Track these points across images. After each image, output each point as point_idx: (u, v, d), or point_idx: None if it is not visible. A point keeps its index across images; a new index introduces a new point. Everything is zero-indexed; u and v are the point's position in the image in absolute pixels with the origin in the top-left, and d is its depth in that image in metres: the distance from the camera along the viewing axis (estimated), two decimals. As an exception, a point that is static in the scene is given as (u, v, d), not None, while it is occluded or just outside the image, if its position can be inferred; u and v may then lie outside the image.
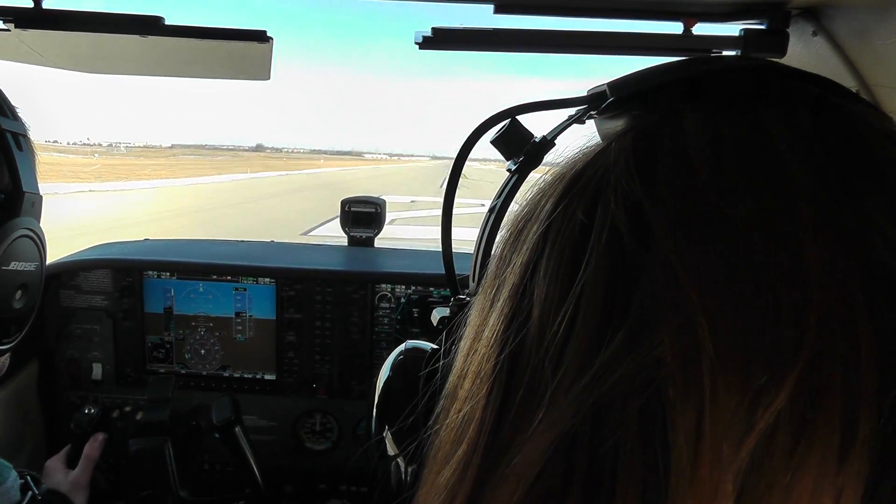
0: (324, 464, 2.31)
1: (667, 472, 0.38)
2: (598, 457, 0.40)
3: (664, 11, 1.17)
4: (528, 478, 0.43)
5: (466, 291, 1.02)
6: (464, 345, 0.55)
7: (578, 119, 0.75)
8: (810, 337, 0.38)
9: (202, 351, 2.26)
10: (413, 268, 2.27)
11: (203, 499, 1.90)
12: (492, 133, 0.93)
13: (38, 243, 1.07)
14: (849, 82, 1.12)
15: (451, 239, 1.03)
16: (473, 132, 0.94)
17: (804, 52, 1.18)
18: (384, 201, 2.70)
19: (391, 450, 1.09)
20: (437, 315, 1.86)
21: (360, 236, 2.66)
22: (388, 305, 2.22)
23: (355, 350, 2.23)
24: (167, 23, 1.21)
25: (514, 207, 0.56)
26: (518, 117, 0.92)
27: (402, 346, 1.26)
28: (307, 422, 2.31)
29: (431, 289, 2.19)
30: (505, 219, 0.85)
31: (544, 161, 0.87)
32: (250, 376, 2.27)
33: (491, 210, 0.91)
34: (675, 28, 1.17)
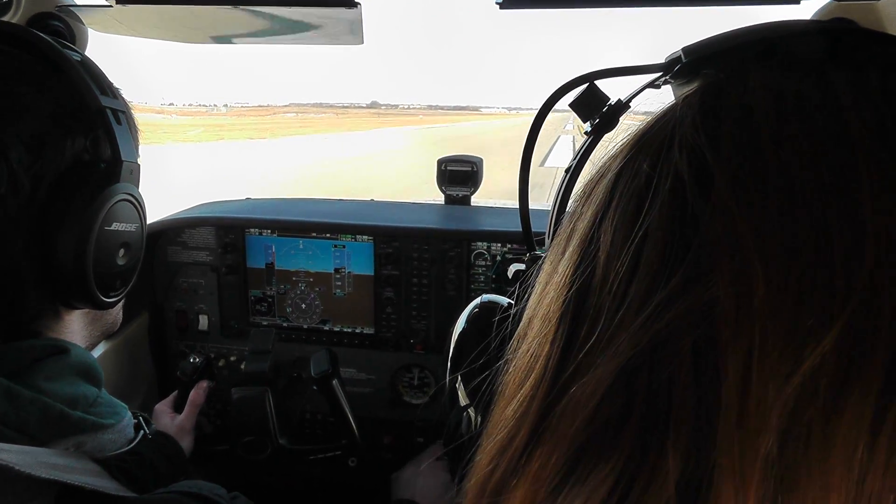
0: (421, 417, 2.34)
1: (717, 405, 0.40)
2: (655, 389, 0.43)
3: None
4: (588, 408, 0.45)
5: (542, 248, 1.03)
6: (535, 292, 0.58)
7: (654, 84, 0.75)
8: (860, 286, 0.39)
9: (303, 305, 2.32)
10: (508, 226, 2.25)
11: (302, 447, 1.96)
12: (571, 96, 0.95)
13: (138, 206, 1.14)
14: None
15: (527, 197, 1.05)
16: (552, 95, 0.96)
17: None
18: (481, 160, 2.68)
19: (462, 400, 1.10)
20: (512, 269, 1.85)
21: (457, 195, 2.66)
22: (483, 263, 2.22)
23: (452, 306, 2.24)
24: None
25: (589, 168, 0.57)
26: (597, 82, 0.94)
27: (477, 300, 1.27)
28: (405, 376, 2.34)
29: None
30: (580, 178, 0.87)
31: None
32: (349, 330, 2.32)
33: (567, 170, 0.92)
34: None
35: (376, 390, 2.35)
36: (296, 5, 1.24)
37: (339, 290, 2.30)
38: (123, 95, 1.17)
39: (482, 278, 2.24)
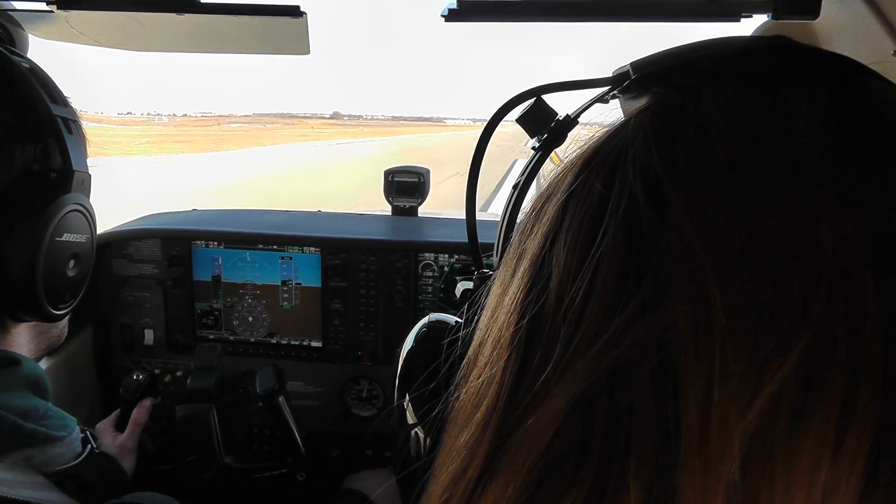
0: (369, 430, 2.34)
1: (678, 434, 0.40)
2: (614, 418, 0.42)
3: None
4: (545, 438, 0.45)
5: (490, 265, 1.03)
6: (485, 314, 0.57)
7: (602, 99, 0.75)
8: (819, 308, 0.38)
9: (250, 318, 2.30)
10: (456, 237, 2.26)
11: (247, 465, 1.94)
12: (518, 111, 0.94)
13: (88, 217, 1.13)
14: (886, 44, 1.08)
15: (475, 212, 1.04)
16: (498, 110, 0.95)
17: (838, 13, 1.14)
18: (428, 171, 2.69)
19: (410, 419, 1.10)
20: (460, 288, 1.86)
21: (404, 205, 2.66)
22: (431, 274, 2.23)
23: (399, 318, 2.25)
24: (202, 0, 1.22)
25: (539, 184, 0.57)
26: (547, 97, 0.93)
27: (425, 319, 1.27)
28: (353, 388, 2.33)
29: None
30: (528, 195, 0.87)
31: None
32: (297, 343, 2.30)
33: (515, 187, 0.92)
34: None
35: (324, 403, 2.33)
36: (241, 14, 1.23)
37: (286, 303, 2.28)
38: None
39: (430, 289, 2.24)
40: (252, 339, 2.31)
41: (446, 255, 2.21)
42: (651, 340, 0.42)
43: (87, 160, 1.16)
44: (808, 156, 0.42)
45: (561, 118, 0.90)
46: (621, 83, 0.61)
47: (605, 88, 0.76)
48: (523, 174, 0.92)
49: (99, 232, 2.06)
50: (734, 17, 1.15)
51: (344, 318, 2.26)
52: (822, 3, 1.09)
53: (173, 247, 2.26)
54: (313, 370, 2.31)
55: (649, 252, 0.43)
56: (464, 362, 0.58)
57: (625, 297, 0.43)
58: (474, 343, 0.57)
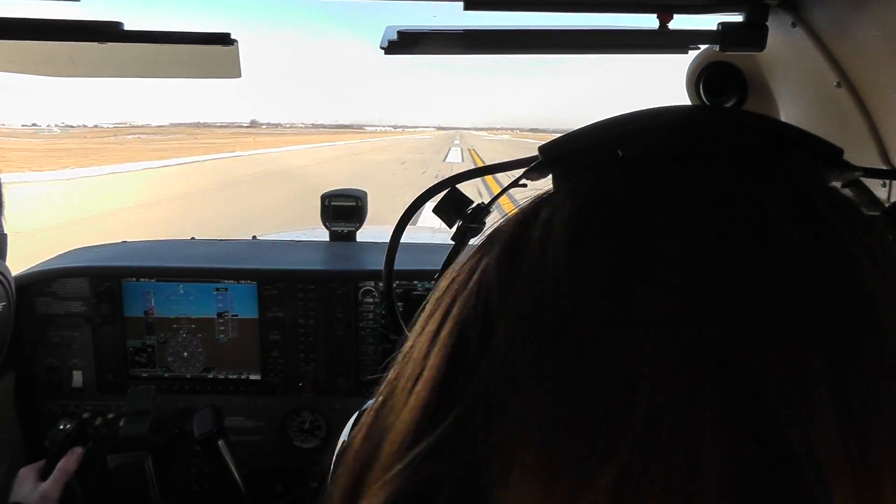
0: (313, 462, 2.28)
1: None
2: None
3: (638, 4, 1.13)
4: None
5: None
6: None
7: (517, 184, 0.72)
8: (625, 448, 0.36)
9: (185, 353, 2.22)
10: (397, 263, 2.23)
11: None
12: (435, 201, 0.96)
13: (4, 282, 1.05)
14: (829, 75, 1.09)
15: (393, 291, 1.12)
16: (414, 201, 0.98)
17: (783, 45, 1.15)
18: (365, 193, 2.65)
19: None
20: None
21: (342, 230, 2.61)
22: (372, 300, 2.19)
23: (340, 347, 2.20)
24: (126, 28, 1.18)
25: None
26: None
27: (365, 406, 1.24)
28: (295, 420, 2.28)
29: (416, 282, 2.15)
30: None
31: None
32: (235, 377, 2.24)
33: (436, 278, 0.91)
34: (652, 23, 1.13)
35: (265, 437, 2.27)
36: (173, 43, 1.20)
37: (222, 336, 2.21)
38: None
39: (371, 315, 2.20)
40: (188, 375, 2.23)
41: None
42: (458, 470, 0.40)
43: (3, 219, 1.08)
44: (645, 303, 0.39)
45: (474, 206, 0.91)
46: (531, 168, 0.57)
47: (520, 173, 0.74)
48: (442, 266, 0.91)
49: (22, 271, 1.97)
50: (682, 48, 1.15)
51: (283, 349, 2.21)
52: (769, 36, 1.10)
53: (102, 283, 2.17)
54: (253, 404, 2.25)
55: (468, 380, 0.42)
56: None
57: (441, 415, 0.42)
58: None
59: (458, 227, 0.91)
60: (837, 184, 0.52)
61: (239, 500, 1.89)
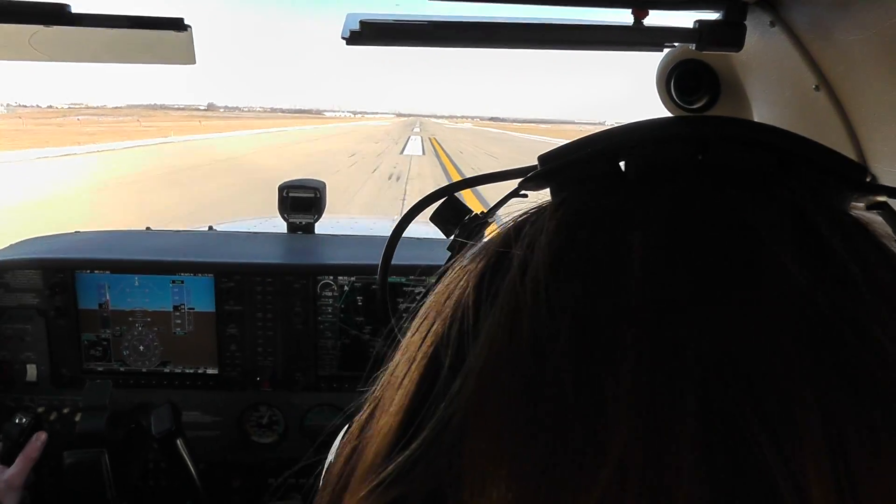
0: (271, 457, 2.25)
1: None
2: None
3: (613, -1, 1.10)
4: None
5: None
6: None
7: (516, 193, 0.68)
8: (598, 489, 0.33)
9: (141, 347, 2.17)
10: (357, 258, 2.20)
11: None
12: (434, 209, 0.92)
13: None
14: (808, 78, 1.06)
15: (388, 302, 1.07)
16: (411, 209, 0.93)
17: (761, 45, 1.12)
18: (324, 184, 2.60)
19: None
20: None
21: (300, 222, 2.56)
22: (330, 294, 2.15)
23: (299, 341, 2.17)
24: (73, 10, 1.13)
25: None
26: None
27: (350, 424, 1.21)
28: (252, 415, 2.24)
29: (375, 276, 2.12)
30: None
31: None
32: (192, 371, 2.19)
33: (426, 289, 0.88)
34: (627, 18, 1.10)
35: (223, 432, 2.23)
36: (124, 27, 1.15)
37: (179, 329, 2.16)
38: None
39: (330, 309, 2.16)
40: (144, 370, 2.18)
41: (345, 277, 2.13)
42: (420, 496, 0.38)
43: None
44: (616, 335, 0.36)
45: (472, 216, 0.88)
46: (529, 177, 0.53)
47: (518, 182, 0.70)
48: (436, 277, 0.88)
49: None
50: (657, 46, 1.12)
51: (241, 342, 2.16)
52: (746, 35, 1.07)
53: (55, 274, 2.11)
54: (210, 398, 2.21)
55: (434, 407, 0.40)
56: None
57: (405, 442, 0.40)
58: None
59: (452, 240, 0.87)
60: (862, 205, 0.47)
61: (196, 496, 1.85)
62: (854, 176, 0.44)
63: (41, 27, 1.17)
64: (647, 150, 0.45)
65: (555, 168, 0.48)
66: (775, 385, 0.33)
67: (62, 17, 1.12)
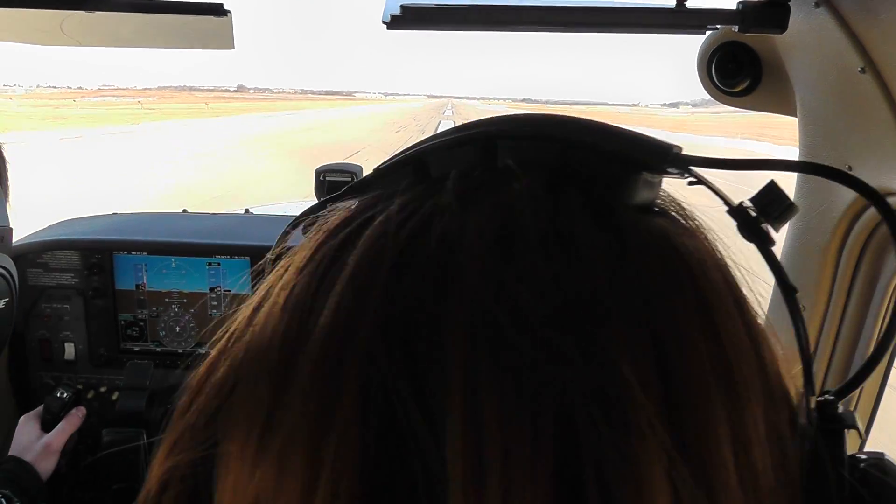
0: None
1: None
2: None
3: (656, -21, 1.09)
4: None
5: None
6: None
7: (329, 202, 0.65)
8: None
9: (177, 328, 2.19)
10: None
11: None
12: None
13: (9, 277, 1.02)
14: (853, 60, 1.05)
15: None
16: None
17: (805, 26, 1.11)
18: (361, 168, 2.60)
19: None
20: None
21: None
22: None
23: None
24: (121, -2, 1.14)
25: None
26: None
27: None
28: None
29: None
30: None
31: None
32: None
33: None
34: (670, 1, 1.08)
35: None
36: (164, 12, 1.16)
37: (215, 311, 2.19)
38: None
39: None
40: (180, 350, 2.20)
41: None
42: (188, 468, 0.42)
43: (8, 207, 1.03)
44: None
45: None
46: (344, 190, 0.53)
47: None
48: None
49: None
50: (700, 28, 1.11)
51: None
52: (790, 16, 1.05)
53: (93, 255, 2.14)
54: None
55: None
56: None
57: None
58: None
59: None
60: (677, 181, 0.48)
61: None
62: (647, 158, 0.44)
63: (83, 13, 1.18)
64: (443, 154, 0.46)
65: (368, 179, 0.49)
66: (430, 357, 0.35)
67: (105, 3, 1.13)
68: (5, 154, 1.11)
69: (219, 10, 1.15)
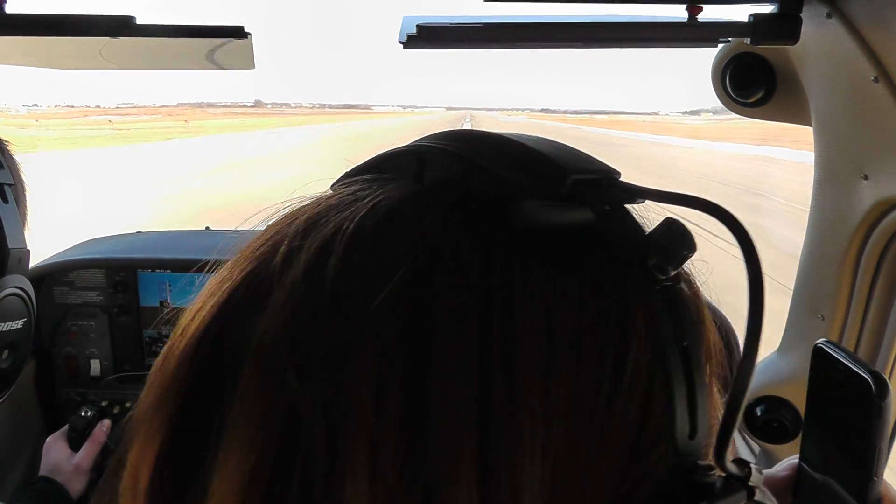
0: None
1: None
2: None
3: (667, -7, 1.10)
4: None
5: None
6: None
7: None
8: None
9: (201, 344, 2.20)
10: None
11: None
12: None
13: (26, 298, 1.04)
14: (866, 69, 1.05)
15: None
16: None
17: (818, 37, 1.11)
18: None
19: None
20: None
21: None
22: None
23: None
24: (138, 22, 1.16)
25: None
26: None
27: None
28: None
29: None
30: None
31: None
32: None
33: None
34: (682, 14, 1.09)
35: None
36: (185, 36, 1.18)
37: (238, 327, 2.19)
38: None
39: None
40: None
41: None
42: None
43: (26, 230, 1.06)
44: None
45: None
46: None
47: None
48: None
49: (39, 263, 1.97)
50: (712, 42, 1.12)
51: None
52: (802, 27, 1.06)
53: (118, 273, 2.17)
54: None
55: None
56: None
57: None
58: None
59: None
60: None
61: None
62: (531, 185, 0.41)
63: (110, 39, 1.20)
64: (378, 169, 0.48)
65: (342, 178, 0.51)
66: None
67: (129, 28, 1.15)
68: (23, 177, 1.13)
69: (239, 33, 1.17)
